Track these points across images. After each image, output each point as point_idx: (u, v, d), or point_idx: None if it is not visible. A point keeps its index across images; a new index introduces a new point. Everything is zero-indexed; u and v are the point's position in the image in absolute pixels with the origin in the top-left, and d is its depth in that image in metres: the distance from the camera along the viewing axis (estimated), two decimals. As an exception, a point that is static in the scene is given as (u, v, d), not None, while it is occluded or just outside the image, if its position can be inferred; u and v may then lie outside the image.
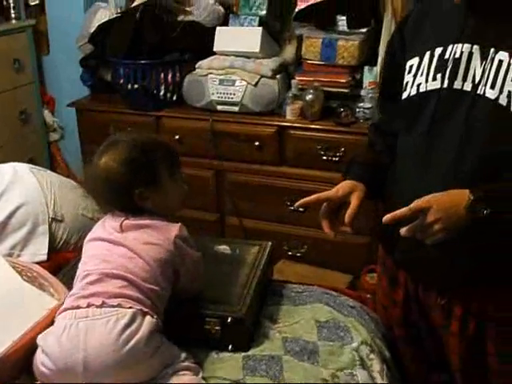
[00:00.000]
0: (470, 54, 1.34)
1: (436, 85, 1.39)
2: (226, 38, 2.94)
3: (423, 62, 1.43)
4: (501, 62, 1.29)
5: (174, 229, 1.51)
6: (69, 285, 1.53)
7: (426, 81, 1.41)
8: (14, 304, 1.48)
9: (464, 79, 1.35)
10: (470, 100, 1.33)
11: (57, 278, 1.62)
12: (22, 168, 2.07)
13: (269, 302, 1.74)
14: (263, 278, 1.74)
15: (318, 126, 2.75)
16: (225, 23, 3.07)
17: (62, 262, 1.84)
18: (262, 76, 2.81)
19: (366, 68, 2.78)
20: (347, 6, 2.89)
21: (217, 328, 1.52)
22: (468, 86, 1.34)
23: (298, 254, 2.91)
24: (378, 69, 2.74)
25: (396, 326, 1.68)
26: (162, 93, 2.99)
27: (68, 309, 1.41)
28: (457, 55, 1.35)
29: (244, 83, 2.82)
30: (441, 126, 1.38)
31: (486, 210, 1.24)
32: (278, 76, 2.83)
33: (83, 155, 3.27)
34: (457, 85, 1.36)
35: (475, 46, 1.33)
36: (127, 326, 1.36)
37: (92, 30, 3.20)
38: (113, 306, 1.38)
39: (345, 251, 2.82)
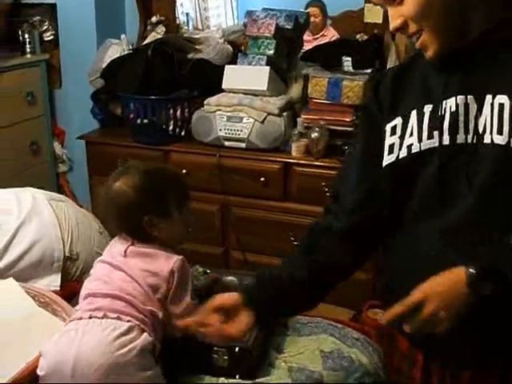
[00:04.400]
0: (467, 106, 1.26)
1: (434, 143, 1.28)
2: (234, 76, 3.01)
3: (410, 122, 1.32)
4: (502, 105, 1.22)
5: (173, 260, 1.55)
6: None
7: (420, 140, 1.30)
8: (29, 328, 1.53)
9: (466, 132, 1.26)
10: (477, 151, 1.24)
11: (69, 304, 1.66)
12: (41, 198, 2.08)
13: (275, 333, 1.78)
14: (270, 310, 1.78)
15: (322, 164, 2.81)
16: (233, 62, 3.14)
17: (74, 290, 1.86)
18: (269, 114, 2.87)
19: (370, 108, 2.85)
20: (352, 48, 2.98)
21: (225, 358, 1.56)
22: (473, 138, 1.25)
23: (301, 289, 2.94)
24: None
25: None
26: (170, 128, 3.05)
27: (71, 320, 1.48)
28: (453, 109, 1.27)
29: (251, 120, 2.88)
30: (449, 186, 1.28)
31: (489, 284, 1.14)
32: (284, 114, 2.89)
33: (91, 187, 3.32)
34: (460, 139, 1.26)
35: (469, 97, 1.25)
36: (123, 334, 1.42)
37: (104, 65, 3.27)
38: (113, 318, 1.44)
39: (347, 286, 2.79)
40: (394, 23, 1.28)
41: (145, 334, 1.45)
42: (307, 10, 3.58)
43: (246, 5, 4.22)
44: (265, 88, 2.91)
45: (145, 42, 3.34)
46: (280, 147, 2.90)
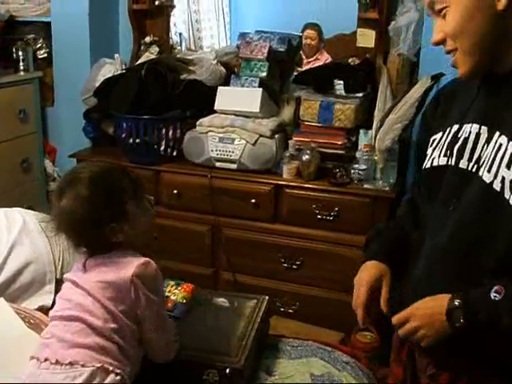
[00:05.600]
0: (478, 135, 1.35)
1: (444, 161, 1.42)
2: (226, 98, 3.03)
3: (443, 138, 1.46)
4: (500, 145, 1.29)
5: (133, 266, 1.44)
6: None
7: (439, 156, 1.44)
8: (18, 350, 1.51)
9: (469, 159, 1.35)
10: (472, 180, 1.34)
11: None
12: (31, 219, 2.07)
13: (265, 355, 1.78)
14: (260, 331, 1.78)
15: (313, 186, 2.82)
16: (226, 83, 3.16)
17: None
18: (261, 135, 2.88)
19: (362, 131, 2.87)
20: (344, 72, 3.01)
21: (216, 378, 1.55)
22: (473, 167, 1.34)
23: (290, 311, 2.94)
24: (372, 132, 2.83)
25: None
26: (162, 148, 3.05)
27: (34, 357, 1.41)
28: (466, 134, 1.37)
29: (243, 142, 2.89)
30: (448, 203, 1.39)
31: (462, 320, 1.28)
32: (276, 136, 2.91)
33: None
34: (462, 164, 1.37)
35: (483, 127, 1.34)
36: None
37: (97, 84, 3.28)
38: (71, 364, 1.36)
39: (337, 309, 2.85)
40: (435, 37, 1.36)
41: (111, 376, 1.37)
42: (304, 33, 3.61)
43: (239, 26, 4.23)
44: (257, 110, 2.93)
45: (138, 62, 3.36)
46: (271, 169, 2.92)
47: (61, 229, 1.49)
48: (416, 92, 2.78)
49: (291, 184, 2.85)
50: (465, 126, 1.39)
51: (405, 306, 1.42)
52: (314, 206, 2.79)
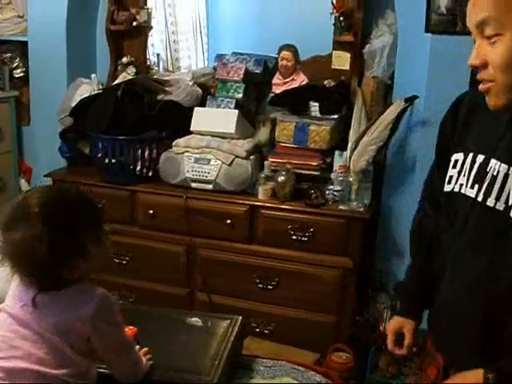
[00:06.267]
0: (506, 176, 1.34)
1: (472, 193, 1.41)
2: (203, 119, 3.04)
3: (466, 163, 1.44)
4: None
5: (91, 304, 1.38)
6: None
7: (466, 185, 1.43)
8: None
9: (497, 198, 1.35)
10: (500, 220, 1.35)
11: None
12: None
13: (238, 375, 1.79)
14: (233, 351, 1.79)
15: (288, 207, 2.83)
16: (202, 104, 3.18)
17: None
18: (237, 156, 2.89)
19: (337, 152, 2.90)
20: (320, 93, 3.04)
21: (188, 396, 1.55)
22: (501, 206, 1.35)
23: (266, 331, 2.94)
24: (347, 153, 2.86)
25: None
26: (138, 168, 3.05)
27: None
28: (494, 172, 1.36)
29: (219, 162, 2.90)
30: (471, 235, 1.41)
31: None
32: (251, 157, 2.92)
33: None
34: (490, 202, 1.37)
35: (505, 166, 1.34)
36: None
37: (73, 103, 3.27)
38: None
39: (312, 329, 2.86)
40: (474, 60, 1.31)
41: None
42: (280, 54, 3.65)
43: (217, 47, 4.27)
44: (233, 131, 2.95)
45: (115, 82, 3.36)
46: (247, 190, 2.92)
47: (8, 260, 1.36)
48: (390, 114, 2.81)
49: (267, 205, 2.86)
50: (493, 161, 1.37)
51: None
52: (289, 226, 2.80)
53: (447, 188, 1.50)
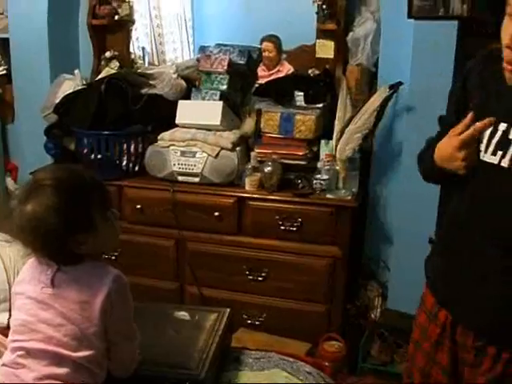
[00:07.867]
0: None
1: (494, 160, 1.43)
2: (187, 111, 3.02)
3: (487, 131, 1.44)
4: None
5: (107, 282, 1.42)
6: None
7: (486, 151, 1.44)
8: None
9: None
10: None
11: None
12: None
13: (227, 368, 1.78)
14: (222, 344, 1.79)
15: (276, 197, 2.82)
16: (187, 97, 3.16)
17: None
18: (222, 148, 2.88)
19: (323, 141, 2.89)
20: (304, 83, 3.03)
21: (176, 391, 1.55)
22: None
23: (257, 323, 2.94)
24: (333, 142, 2.85)
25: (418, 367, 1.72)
26: (124, 163, 3.04)
27: None
28: None
29: (205, 155, 2.89)
30: (493, 199, 1.45)
31: None
32: (237, 148, 2.91)
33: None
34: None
35: None
36: None
37: (57, 100, 3.24)
38: None
39: (303, 319, 2.86)
40: (507, 38, 1.32)
41: None
42: (262, 45, 3.63)
43: (202, 39, 4.25)
44: (218, 123, 2.93)
45: (98, 77, 3.33)
46: (234, 182, 2.91)
47: (24, 237, 1.43)
48: (375, 101, 2.81)
49: (254, 196, 2.85)
50: None
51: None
52: (277, 217, 2.80)
53: None
